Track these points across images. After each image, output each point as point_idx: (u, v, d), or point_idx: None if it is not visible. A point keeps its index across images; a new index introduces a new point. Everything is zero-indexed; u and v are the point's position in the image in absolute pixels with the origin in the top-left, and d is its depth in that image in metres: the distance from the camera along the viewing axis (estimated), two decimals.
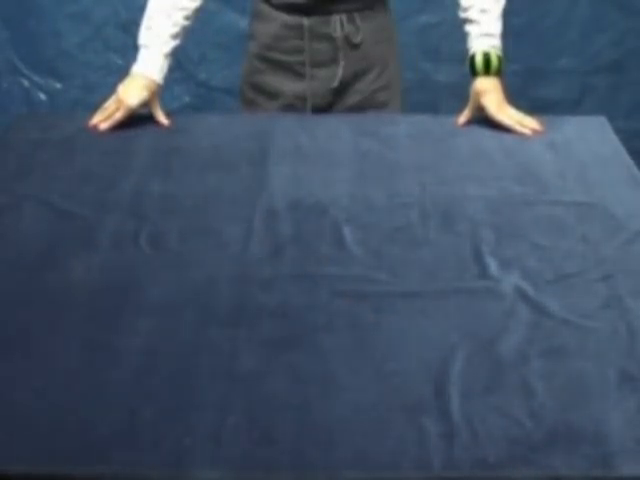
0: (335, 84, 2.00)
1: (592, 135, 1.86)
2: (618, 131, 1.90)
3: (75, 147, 1.83)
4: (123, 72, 2.98)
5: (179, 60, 2.96)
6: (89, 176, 1.71)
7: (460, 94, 3.02)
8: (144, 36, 1.92)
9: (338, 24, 1.96)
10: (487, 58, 1.85)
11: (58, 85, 3.05)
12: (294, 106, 2.03)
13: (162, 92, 1.94)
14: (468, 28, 1.89)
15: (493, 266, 1.44)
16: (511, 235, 1.53)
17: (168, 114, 1.94)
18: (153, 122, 1.92)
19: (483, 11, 1.86)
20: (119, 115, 1.88)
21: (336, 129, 1.89)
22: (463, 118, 1.90)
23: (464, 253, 1.48)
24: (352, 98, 2.03)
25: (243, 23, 2.45)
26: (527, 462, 1.07)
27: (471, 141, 1.83)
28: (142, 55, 1.92)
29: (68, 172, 1.73)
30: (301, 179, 1.70)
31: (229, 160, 1.77)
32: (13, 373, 1.22)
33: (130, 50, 3.01)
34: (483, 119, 1.89)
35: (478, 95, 1.87)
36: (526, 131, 1.84)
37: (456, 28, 2.84)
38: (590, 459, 1.07)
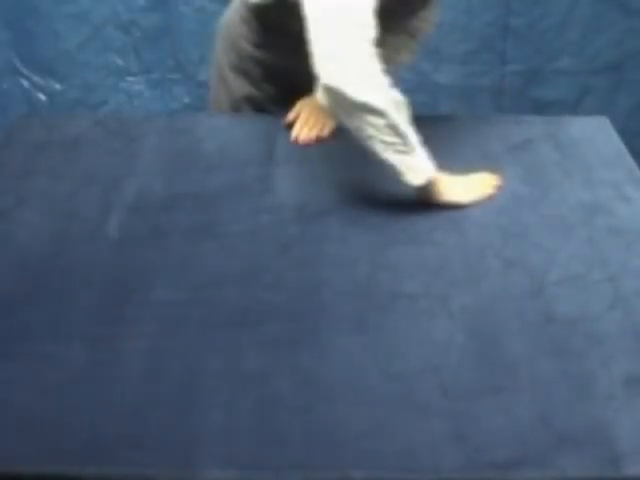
0: None
1: (596, 135, 1.85)
2: (618, 131, 1.90)
3: (79, 147, 1.82)
4: (123, 72, 2.99)
5: (179, 60, 2.96)
6: (93, 176, 1.71)
7: (460, 94, 3.02)
8: None
9: None
10: None
11: (58, 85, 3.04)
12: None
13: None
14: None
15: (498, 266, 1.44)
16: (516, 235, 1.53)
17: (170, 115, 1.93)
18: (156, 123, 1.92)
19: None
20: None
21: (340, 130, 1.88)
22: None
23: (469, 253, 1.48)
24: None
25: None
26: (536, 463, 1.08)
27: (476, 141, 1.83)
28: None
29: (73, 172, 1.73)
30: (306, 180, 1.70)
31: (234, 161, 1.76)
32: (21, 374, 1.22)
33: (130, 50, 3.02)
34: (488, 120, 1.89)
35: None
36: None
37: (456, 28, 2.84)
38: (599, 460, 1.07)
